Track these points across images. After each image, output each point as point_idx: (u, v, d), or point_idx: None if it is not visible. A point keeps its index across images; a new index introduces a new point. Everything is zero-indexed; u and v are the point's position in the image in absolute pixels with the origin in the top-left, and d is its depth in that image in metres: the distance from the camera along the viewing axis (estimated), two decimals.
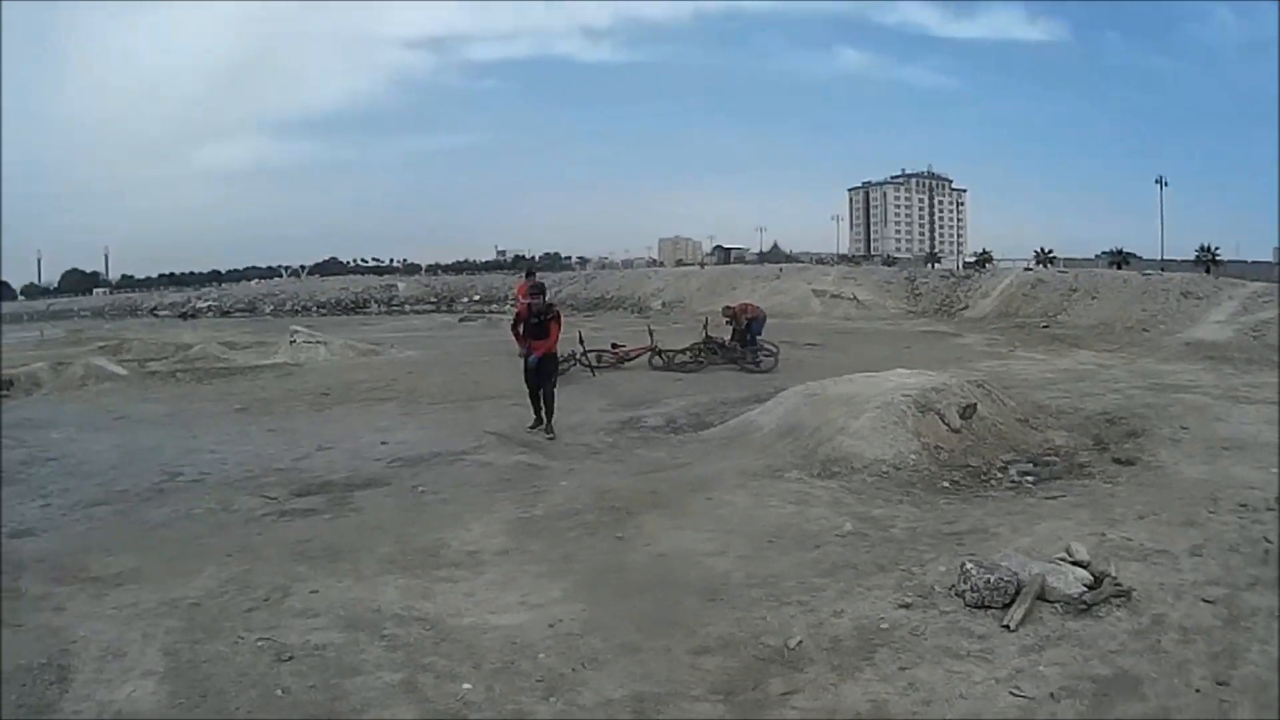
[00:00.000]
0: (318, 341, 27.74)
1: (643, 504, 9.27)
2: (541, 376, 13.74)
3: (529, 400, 13.99)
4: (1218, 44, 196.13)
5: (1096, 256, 77.48)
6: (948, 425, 10.89)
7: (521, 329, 13.78)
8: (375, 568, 7.62)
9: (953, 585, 6.40)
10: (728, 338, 22.23)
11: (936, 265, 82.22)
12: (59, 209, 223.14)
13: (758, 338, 22.17)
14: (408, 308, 70.81)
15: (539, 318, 13.68)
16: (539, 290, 14.20)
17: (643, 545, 8.07)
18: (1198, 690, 5.05)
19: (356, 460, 12.30)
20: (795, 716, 5.06)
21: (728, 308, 23.21)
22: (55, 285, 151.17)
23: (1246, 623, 5.85)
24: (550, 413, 13.76)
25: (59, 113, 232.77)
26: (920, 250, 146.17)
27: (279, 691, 5.44)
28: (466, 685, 5.51)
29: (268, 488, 10.82)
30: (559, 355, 19.45)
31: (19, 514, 10.08)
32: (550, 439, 13.19)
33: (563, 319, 14.30)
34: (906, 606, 6.28)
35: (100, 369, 23.65)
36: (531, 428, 13.74)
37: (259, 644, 6.04)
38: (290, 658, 5.84)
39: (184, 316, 74.16)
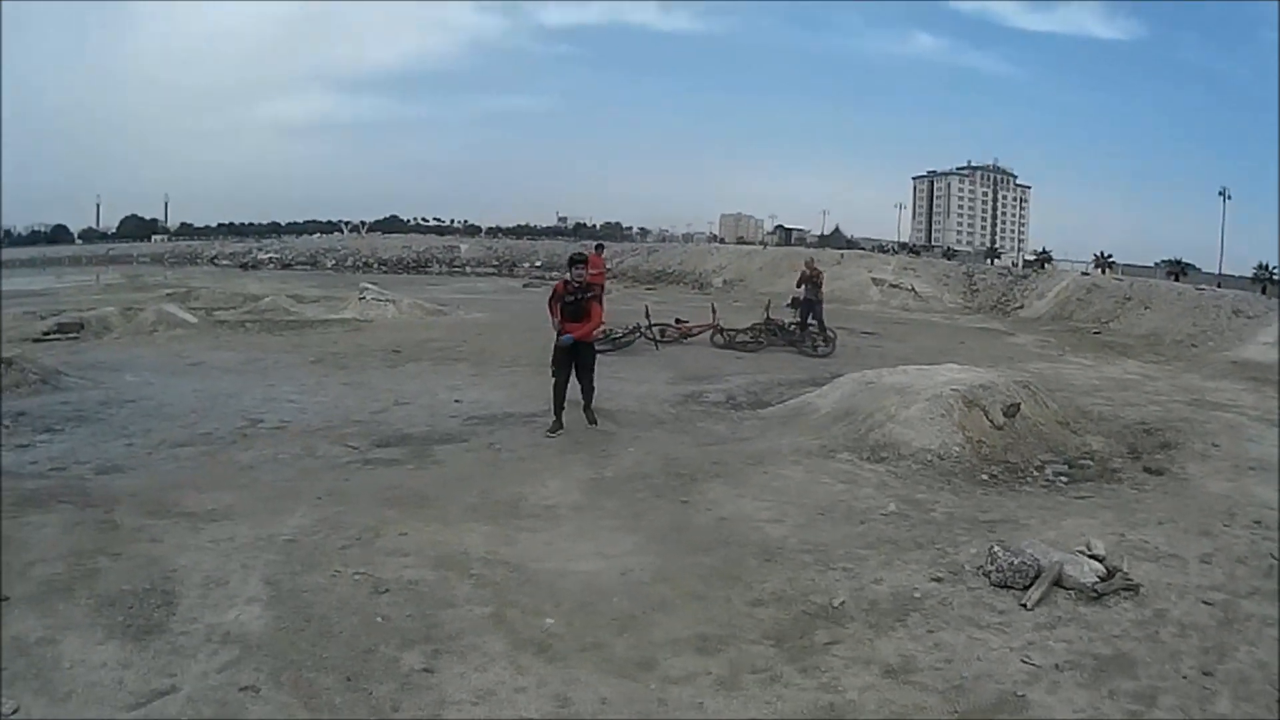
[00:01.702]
0: (387, 299, 28.13)
1: (706, 473, 9.88)
2: (578, 365, 12.10)
3: (552, 394, 12.05)
4: None
5: (1155, 264, 76.23)
6: (991, 421, 11.26)
7: (559, 306, 11.97)
8: (460, 515, 8.25)
9: (980, 565, 7.00)
10: (788, 319, 22.61)
11: (996, 261, 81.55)
12: (119, 155, 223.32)
13: (820, 320, 22.65)
14: (469, 270, 70.66)
15: (577, 295, 11.95)
16: (581, 261, 12.31)
17: (705, 509, 8.67)
18: (1185, 677, 5.56)
19: (433, 416, 12.91)
20: (836, 662, 5.67)
21: (809, 263, 24.06)
22: (113, 230, 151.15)
23: (1240, 626, 6.33)
24: (590, 397, 12.34)
25: (123, 59, 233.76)
26: (981, 244, 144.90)
27: (379, 619, 5.99)
28: (549, 620, 6.11)
29: (349, 438, 11.46)
30: (624, 328, 19.77)
31: (103, 452, 10.77)
32: (593, 426, 12.10)
33: (604, 301, 13.65)
34: (938, 580, 6.91)
35: (171, 315, 24.56)
36: (551, 431, 11.89)
37: (355, 577, 6.64)
38: (387, 590, 6.43)
39: (245, 267, 74.71)
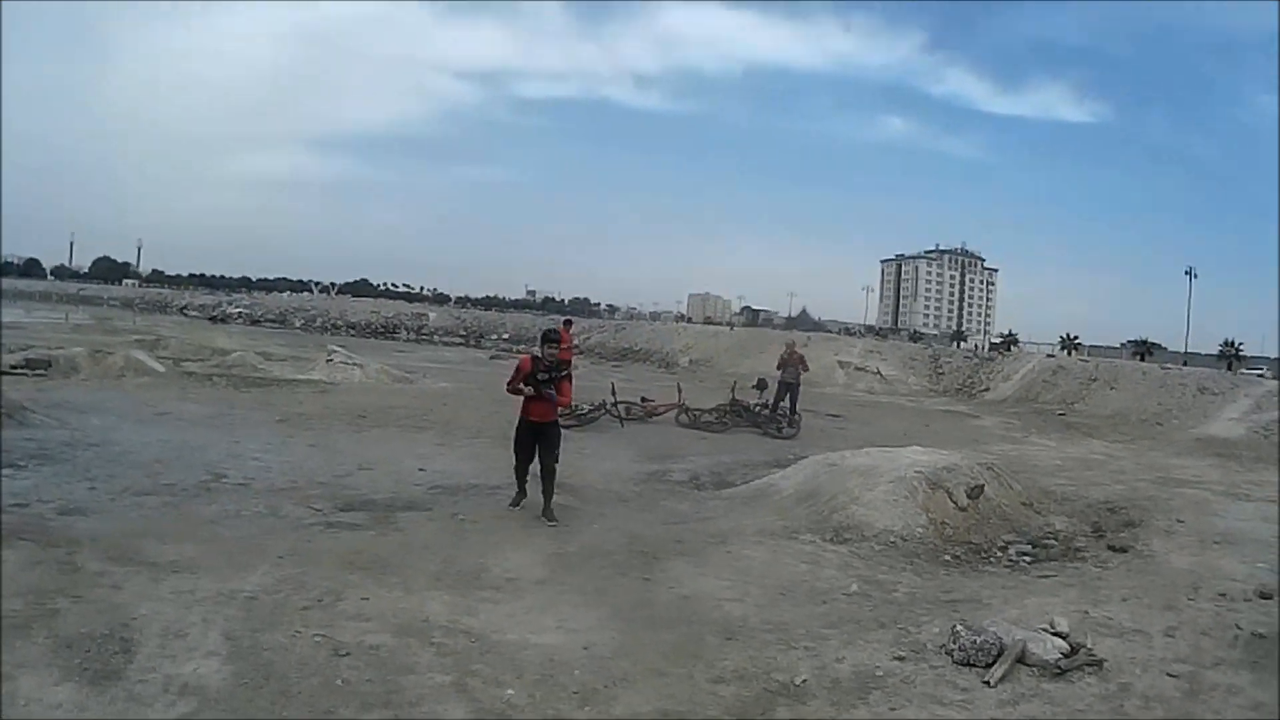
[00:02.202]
0: (355, 363, 28.10)
1: (669, 550, 9.83)
2: (543, 447, 11.28)
3: (514, 470, 11.57)
4: (1262, 129, 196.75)
5: (1122, 345, 77.55)
6: (955, 503, 11.33)
7: (524, 386, 11.12)
8: (422, 583, 8.13)
9: (943, 644, 6.97)
10: (753, 400, 22.67)
11: (962, 343, 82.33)
12: (96, 196, 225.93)
13: (795, 404, 23.12)
14: (437, 338, 70.77)
15: (550, 374, 11.12)
16: (555, 340, 11.43)
17: (668, 587, 8.60)
18: None
19: (397, 483, 12.72)
20: None
21: (788, 348, 24.60)
22: (85, 270, 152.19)
23: (1205, 696, 6.36)
24: (551, 493, 11.22)
25: (104, 103, 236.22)
26: (948, 327, 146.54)
27: (339, 681, 5.92)
28: (510, 691, 6.03)
29: (313, 499, 11.30)
30: (589, 405, 19.63)
31: (66, 493, 10.65)
32: (553, 525, 10.78)
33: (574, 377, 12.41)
34: (901, 659, 6.85)
35: (139, 362, 24.41)
36: (514, 503, 11.45)
37: (316, 639, 6.55)
38: (347, 653, 6.34)
39: (214, 320, 75.20)
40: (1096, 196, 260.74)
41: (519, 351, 46.14)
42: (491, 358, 47.51)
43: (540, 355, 11.29)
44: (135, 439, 14.47)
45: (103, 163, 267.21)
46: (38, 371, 22.34)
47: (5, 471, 11.32)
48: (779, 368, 24.04)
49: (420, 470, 13.76)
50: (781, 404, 22.96)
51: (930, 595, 8.69)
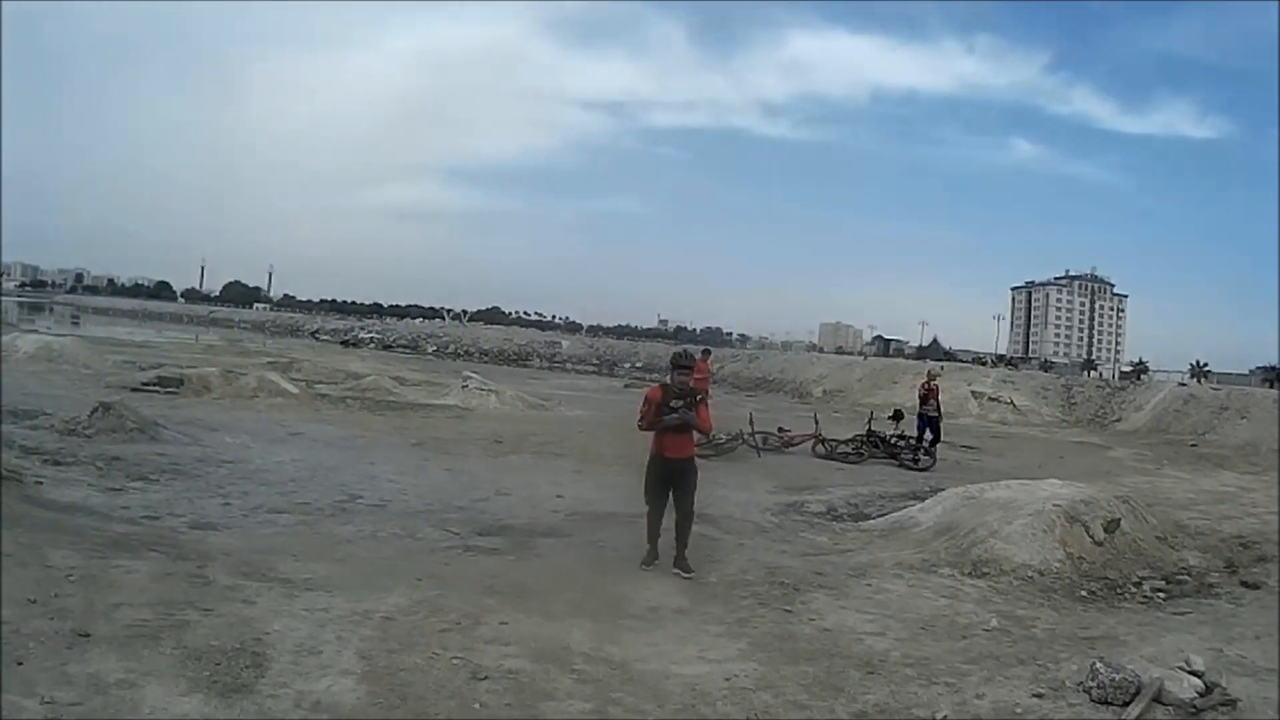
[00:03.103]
0: (489, 389, 28.31)
1: (808, 583, 9.70)
2: (680, 490, 9.95)
3: (646, 520, 10.09)
4: None
5: (1250, 371, 75.47)
6: (1092, 538, 11.10)
7: (664, 416, 9.78)
8: (562, 609, 8.11)
9: (1081, 682, 6.80)
10: (889, 431, 22.44)
11: (1093, 372, 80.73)
12: (229, 227, 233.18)
13: (937, 435, 22.70)
14: (570, 366, 71.79)
15: (685, 401, 9.81)
16: (687, 366, 10.10)
17: (809, 619, 8.48)
18: None
19: (534, 509, 12.81)
20: None
21: (926, 385, 23.77)
22: (216, 294, 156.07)
23: None
24: (687, 536, 9.93)
25: (236, 129, 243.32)
26: (1078, 355, 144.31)
27: (476, 705, 5.91)
28: None
29: (449, 523, 11.40)
30: (726, 434, 19.42)
31: (199, 508, 10.98)
32: (690, 577, 9.57)
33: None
34: (1039, 696, 6.71)
35: (273, 383, 24.90)
36: (646, 563, 9.94)
37: (454, 661, 6.57)
38: (485, 677, 6.33)
39: (345, 344, 77.17)
40: (1223, 217, 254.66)
41: (652, 380, 46.40)
42: (625, 386, 48.00)
43: (670, 383, 9.94)
44: (268, 457, 14.81)
45: (234, 193, 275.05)
46: (169, 389, 23.03)
47: (136, 484, 11.69)
48: (923, 400, 23.49)
49: (558, 497, 13.84)
50: (923, 437, 22.57)
51: (1068, 632, 8.50)
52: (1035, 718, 6.37)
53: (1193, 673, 6.89)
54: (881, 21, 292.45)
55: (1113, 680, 6.56)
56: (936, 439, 22.57)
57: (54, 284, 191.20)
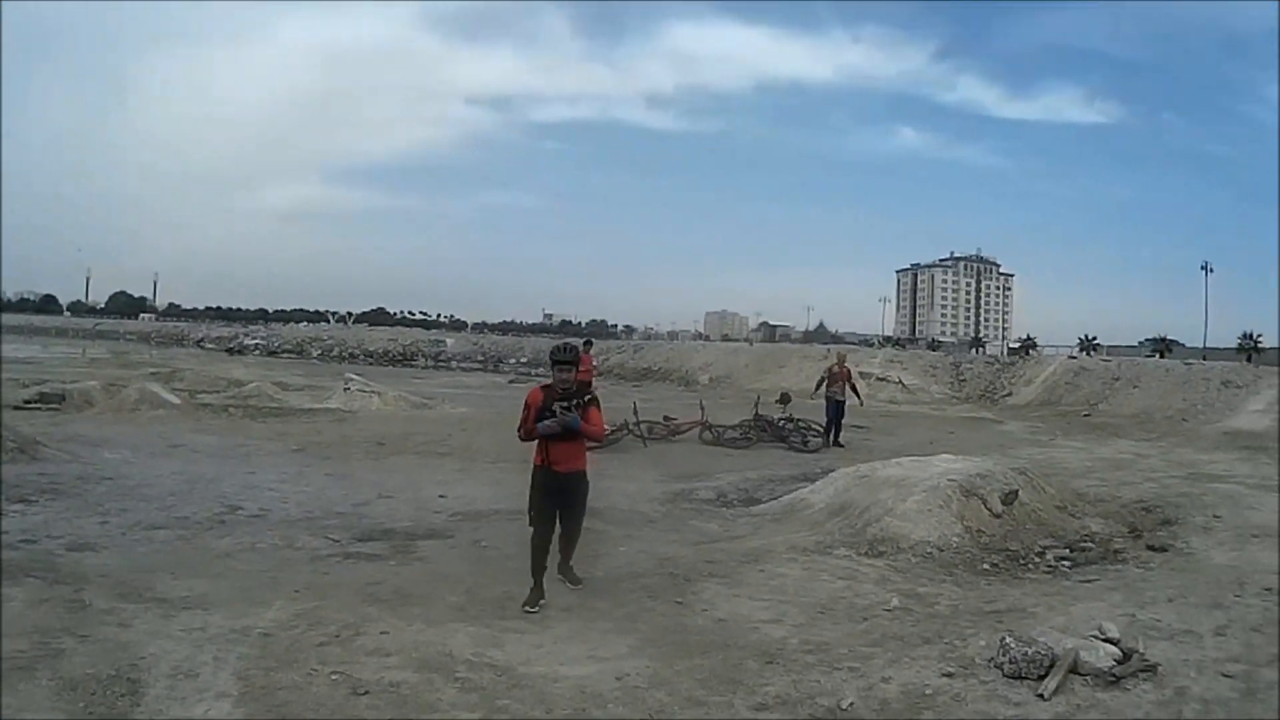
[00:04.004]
0: (372, 391, 28.12)
1: (700, 572, 9.51)
2: (568, 508, 8.70)
3: (531, 551, 8.46)
4: (1273, 125, 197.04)
5: (1139, 344, 77.30)
6: (990, 510, 11.10)
7: (547, 423, 8.42)
8: (445, 614, 7.88)
9: (992, 658, 6.68)
10: (777, 415, 22.34)
11: (981, 350, 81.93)
12: (112, 231, 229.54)
13: (840, 424, 22.46)
14: (455, 364, 71.54)
15: (569, 406, 8.43)
16: (569, 361, 8.62)
17: (701, 610, 8.28)
18: None
19: (417, 510, 12.54)
20: None
21: (834, 367, 23.36)
22: (102, 305, 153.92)
23: (1263, 695, 6.13)
24: (573, 547, 8.98)
25: (120, 136, 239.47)
26: (965, 334, 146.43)
27: None
28: None
29: (330, 530, 11.10)
30: (611, 425, 18.52)
31: (77, 528, 10.60)
32: (578, 586, 8.84)
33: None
34: (949, 675, 6.54)
35: (154, 395, 24.52)
36: (530, 605, 8.19)
37: (333, 677, 6.30)
38: (366, 692, 6.08)
39: (231, 351, 76.51)
40: (1109, 197, 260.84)
41: (537, 376, 46.09)
42: (510, 382, 47.54)
43: (554, 383, 8.53)
44: (149, 472, 14.44)
45: (118, 199, 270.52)
46: (51, 405, 22.72)
47: (16, 507, 11.31)
48: (826, 385, 23.07)
49: (441, 497, 13.58)
50: (807, 424, 22.27)
51: (973, 607, 8.39)
52: (947, 698, 6.21)
53: (1108, 640, 6.78)
54: (768, 13, 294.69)
55: (1025, 654, 6.42)
56: (839, 428, 22.41)
57: None
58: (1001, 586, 9.19)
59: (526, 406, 8.65)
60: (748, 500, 14.18)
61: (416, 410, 27.63)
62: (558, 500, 8.59)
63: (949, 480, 11.44)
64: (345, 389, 28.41)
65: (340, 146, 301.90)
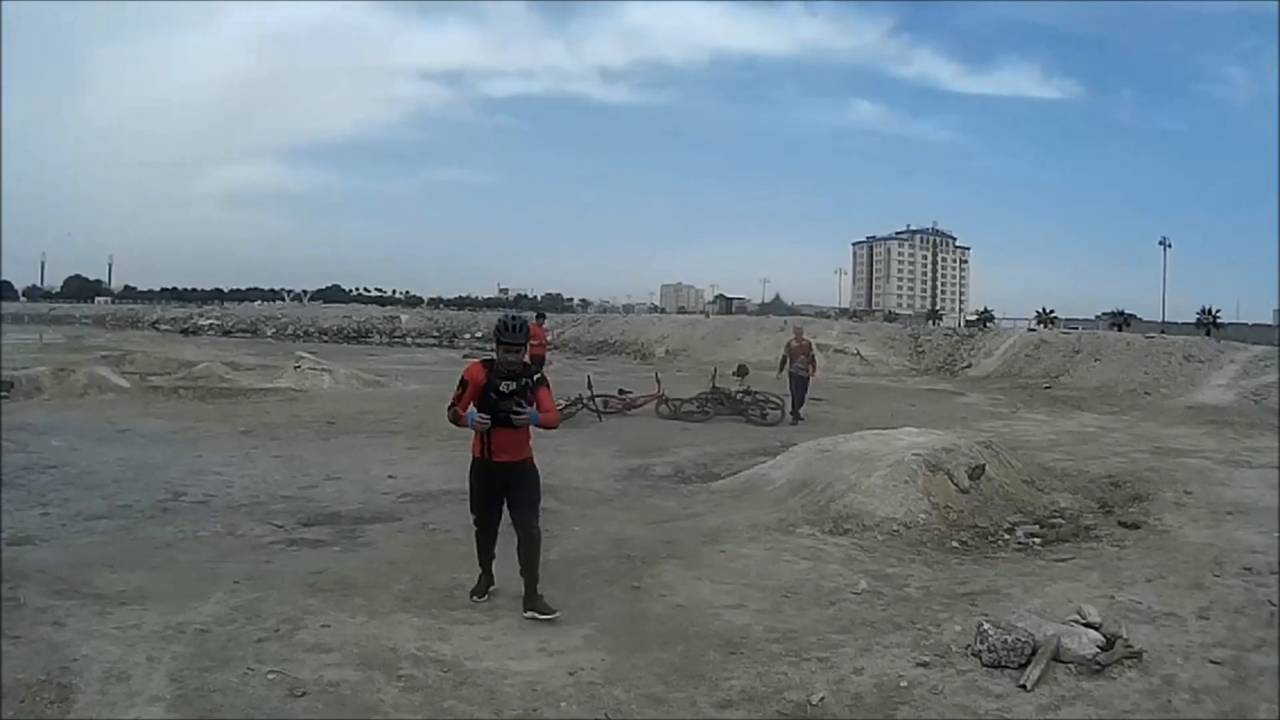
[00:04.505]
0: (323, 369, 27.70)
1: (658, 554, 9.18)
2: (516, 500, 7.45)
3: (475, 541, 7.74)
4: (1229, 102, 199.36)
5: (1097, 318, 77.82)
6: (957, 485, 10.83)
7: (477, 406, 7.31)
8: (389, 604, 7.50)
9: (969, 645, 6.40)
10: (734, 388, 22.02)
11: (938, 323, 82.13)
12: (66, 215, 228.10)
13: (802, 400, 21.83)
14: (410, 340, 70.81)
15: (517, 386, 7.32)
16: (516, 336, 7.36)
17: (660, 595, 7.94)
18: None
19: (365, 493, 12.17)
20: None
21: (792, 342, 22.61)
22: (58, 289, 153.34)
23: (1253, 683, 5.94)
24: (536, 571, 7.41)
25: (73, 122, 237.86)
26: (922, 307, 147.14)
27: None
28: None
29: (275, 515, 10.74)
30: (565, 400, 18.27)
31: (18, 520, 10.17)
32: (551, 618, 7.19)
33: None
34: (925, 665, 6.24)
35: (103, 379, 23.96)
36: (478, 594, 7.69)
37: (270, 676, 5.95)
38: (304, 693, 5.75)
39: (185, 332, 75.94)
40: (1066, 173, 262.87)
41: (492, 350, 45.62)
42: (465, 356, 46.57)
43: (498, 361, 7.39)
44: (93, 459, 14.02)
45: (70, 184, 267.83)
46: None
47: None
48: (785, 361, 22.28)
49: (390, 478, 13.19)
50: (765, 396, 21.69)
51: (945, 589, 8.09)
52: (924, 690, 5.90)
53: (1089, 625, 6.50)
54: None
55: (1004, 642, 6.12)
56: (799, 403, 21.72)
57: None
58: (973, 566, 8.94)
59: (463, 383, 7.39)
60: (706, 476, 13.87)
61: (368, 388, 27.23)
62: (502, 493, 7.50)
63: (914, 455, 11.16)
64: (296, 367, 27.95)
65: (292, 126, 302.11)
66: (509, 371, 7.36)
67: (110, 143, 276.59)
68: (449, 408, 7.47)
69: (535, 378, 7.54)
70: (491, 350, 7.53)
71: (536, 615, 7.24)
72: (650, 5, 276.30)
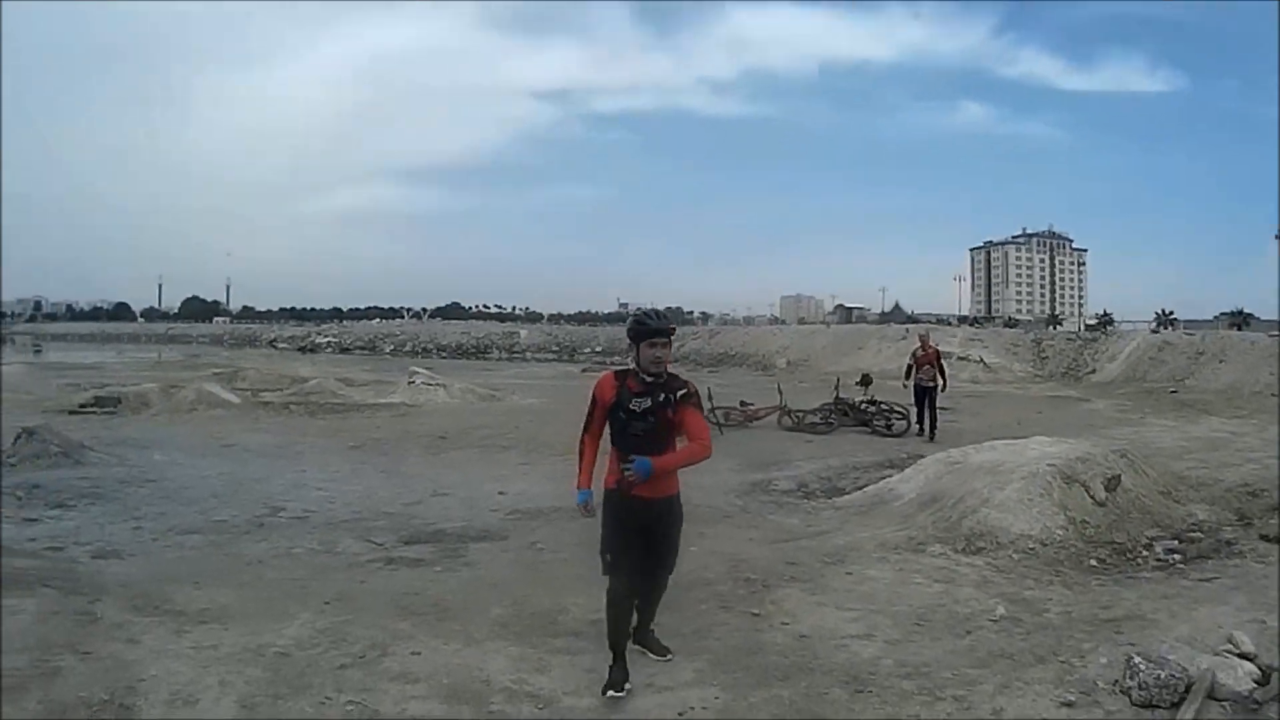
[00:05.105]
0: (437, 384, 27.80)
1: (779, 575, 8.53)
2: (656, 542, 6.08)
3: (606, 614, 6.09)
4: None
5: (1215, 318, 75.55)
6: (1093, 498, 10.15)
7: (614, 429, 6.04)
8: (486, 630, 6.95)
9: (1116, 680, 5.75)
10: (857, 398, 21.41)
11: (1058, 327, 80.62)
12: (183, 244, 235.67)
13: (934, 413, 20.24)
14: (529, 355, 72.08)
15: (656, 402, 5.88)
16: (660, 324, 5.95)
17: (781, 623, 7.25)
18: None
19: (472, 510, 11.83)
20: None
21: (918, 350, 20.79)
22: (175, 310, 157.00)
23: None
24: (652, 613, 6.60)
25: (189, 146, 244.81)
26: (1041, 311, 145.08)
27: None
28: None
29: (375, 532, 10.44)
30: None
31: (107, 534, 10.24)
32: (666, 659, 6.41)
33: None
34: (1069, 705, 5.58)
35: (212, 395, 24.41)
36: (615, 687, 5.84)
37: (349, 707, 5.50)
38: None
39: (303, 350, 78.02)
40: (1176, 167, 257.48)
41: (613, 364, 45.11)
42: (583, 370, 47.76)
43: (636, 368, 5.95)
44: (194, 473, 14.05)
45: (186, 211, 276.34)
46: (107, 409, 22.64)
47: (52, 513, 11.08)
48: (912, 370, 20.44)
49: (500, 494, 12.87)
50: (889, 406, 20.89)
51: (1087, 614, 7.38)
52: None
53: (1243, 655, 5.84)
54: None
55: (1156, 678, 5.47)
56: (933, 416, 20.03)
57: (12, 314, 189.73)
58: (1114, 588, 8.20)
59: (594, 403, 6.06)
60: (830, 490, 13.31)
61: (483, 402, 27.25)
62: (643, 535, 5.99)
63: (1048, 465, 10.50)
64: (410, 382, 28.03)
65: (403, 148, 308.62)
66: (645, 385, 5.89)
67: (224, 167, 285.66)
68: (582, 435, 6.21)
69: (680, 393, 5.88)
70: (613, 364, 6.59)
71: (647, 652, 6.44)
72: (753, 14, 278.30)
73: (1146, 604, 7.60)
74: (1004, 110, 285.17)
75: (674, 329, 6.10)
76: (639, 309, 6.63)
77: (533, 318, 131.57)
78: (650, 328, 5.87)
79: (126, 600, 7.36)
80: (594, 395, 6.06)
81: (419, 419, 22.51)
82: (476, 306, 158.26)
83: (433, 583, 8.40)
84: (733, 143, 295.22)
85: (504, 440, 18.82)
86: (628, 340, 6.09)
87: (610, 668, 5.98)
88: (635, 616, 6.30)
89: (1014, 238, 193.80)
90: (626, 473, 5.81)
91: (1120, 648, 6.22)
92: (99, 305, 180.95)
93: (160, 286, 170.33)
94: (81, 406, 22.86)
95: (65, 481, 12.64)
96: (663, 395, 5.84)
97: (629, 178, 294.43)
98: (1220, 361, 33.37)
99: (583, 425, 6.18)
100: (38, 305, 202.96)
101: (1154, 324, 69.23)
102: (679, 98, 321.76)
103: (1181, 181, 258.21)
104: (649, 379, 5.87)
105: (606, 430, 6.06)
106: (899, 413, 20.69)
